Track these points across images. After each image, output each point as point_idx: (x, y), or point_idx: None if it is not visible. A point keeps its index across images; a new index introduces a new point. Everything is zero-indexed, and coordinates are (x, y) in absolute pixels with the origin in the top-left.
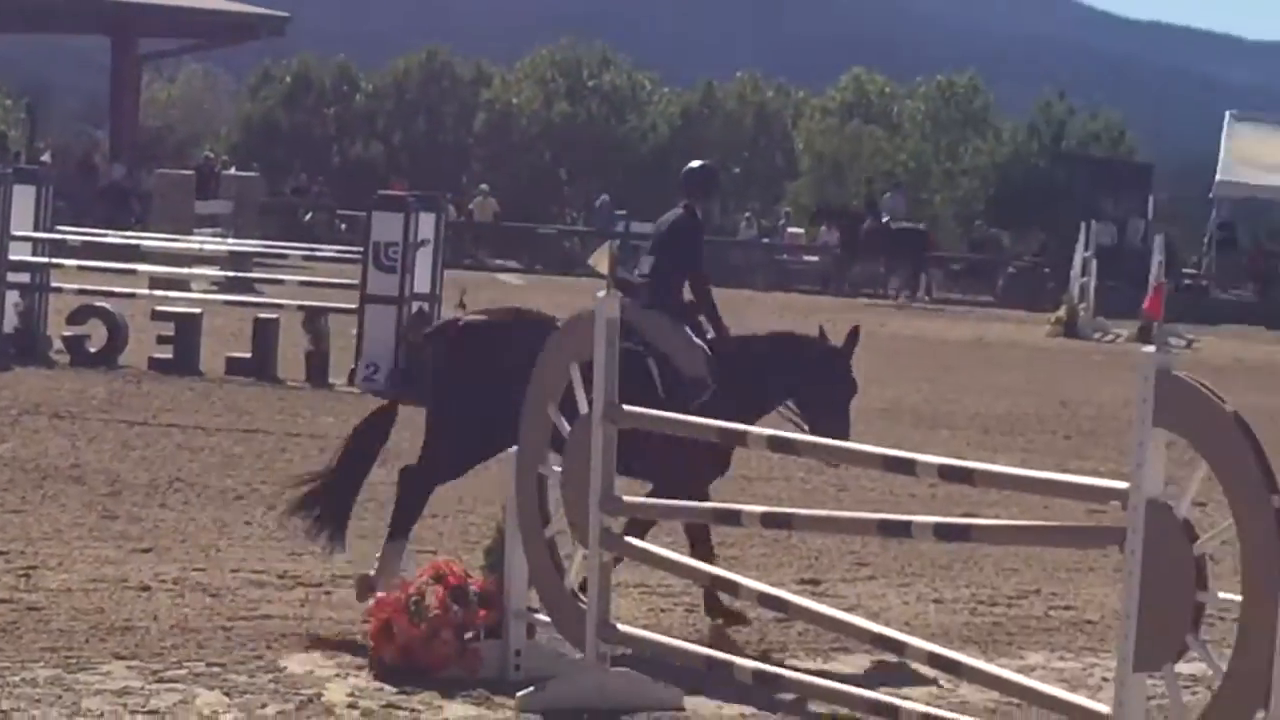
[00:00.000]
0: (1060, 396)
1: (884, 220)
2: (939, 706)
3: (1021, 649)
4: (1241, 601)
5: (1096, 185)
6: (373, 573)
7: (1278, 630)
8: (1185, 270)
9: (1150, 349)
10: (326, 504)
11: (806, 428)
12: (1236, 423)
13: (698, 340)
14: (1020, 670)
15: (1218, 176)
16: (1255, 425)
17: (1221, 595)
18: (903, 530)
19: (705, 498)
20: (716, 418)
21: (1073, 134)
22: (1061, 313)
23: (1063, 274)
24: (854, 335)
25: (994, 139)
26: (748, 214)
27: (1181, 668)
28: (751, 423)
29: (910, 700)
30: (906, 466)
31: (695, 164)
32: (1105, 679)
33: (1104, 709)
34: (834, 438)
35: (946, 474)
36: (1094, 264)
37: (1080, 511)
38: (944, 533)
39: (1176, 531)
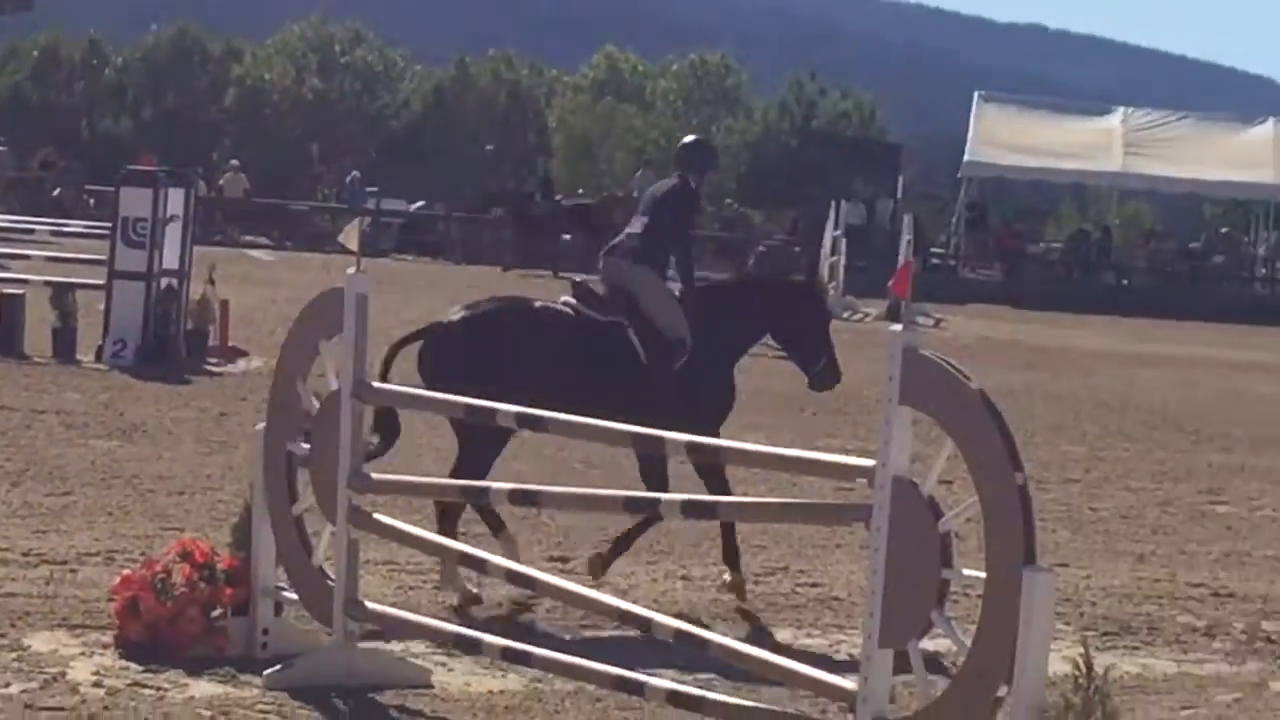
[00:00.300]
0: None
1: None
2: (686, 683)
3: (769, 625)
4: (985, 578)
5: (846, 165)
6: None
7: (1020, 607)
8: (934, 250)
9: (897, 327)
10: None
11: (795, 361)
12: (982, 401)
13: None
14: (767, 647)
15: (966, 157)
16: (1001, 403)
17: (966, 572)
18: (650, 507)
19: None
20: (699, 368)
21: (824, 113)
22: None
23: (813, 253)
24: (811, 271)
25: (745, 118)
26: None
27: (927, 643)
28: (732, 366)
29: (657, 677)
30: (657, 444)
31: (690, 139)
32: (852, 655)
33: (850, 685)
34: (825, 367)
35: (695, 451)
36: (843, 243)
37: (828, 489)
38: (691, 510)
39: (922, 509)
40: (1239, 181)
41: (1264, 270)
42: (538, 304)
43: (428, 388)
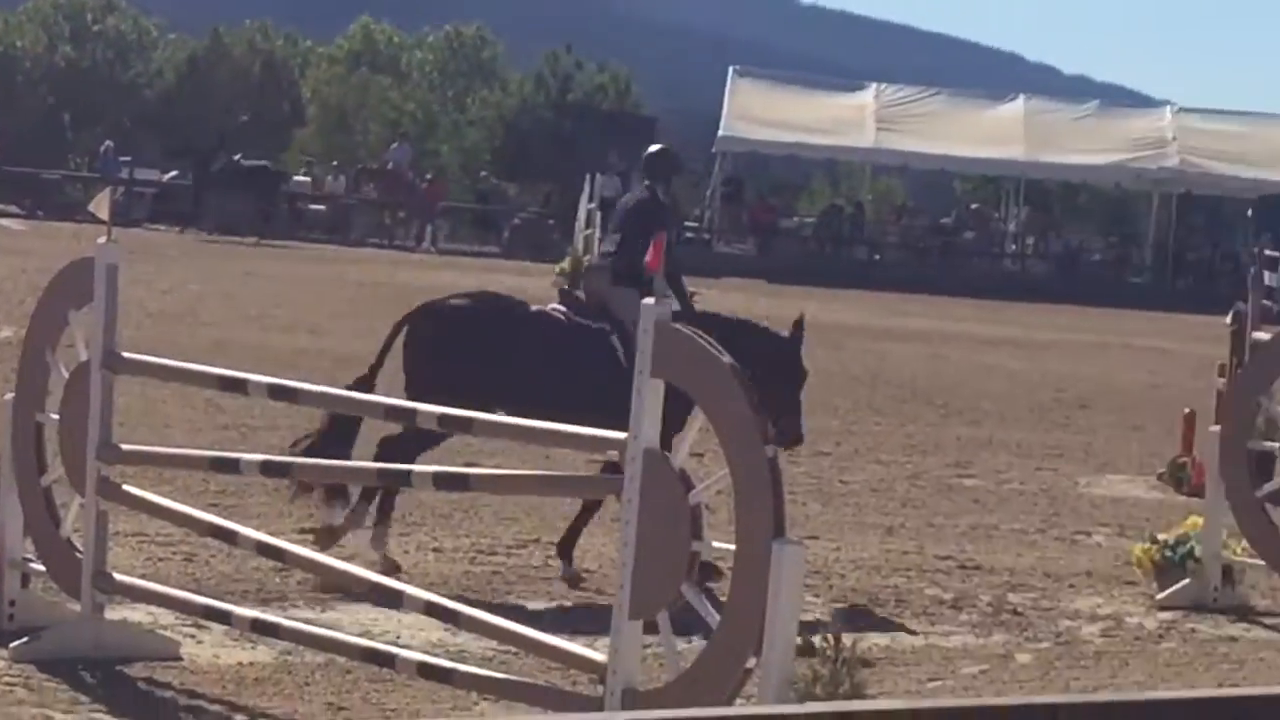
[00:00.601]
0: None
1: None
2: (436, 655)
3: (520, 598)
4: (735, 551)
5: (602, 138)
6: (339, 522)
7: (769, 579)
8: (688, 223)
9: (649, 301)
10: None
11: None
12: (732, 374)
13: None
14: (519, 619)
15: (720, 132)
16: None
17: (716, 544)
18: (402, 479)
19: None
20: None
21: (580, 87)
22: (565, 264)
23: (568, 226)
24: (799, 325)
25: (501, 90)
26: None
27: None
28: None
29: (408, 649)
30: (407, 415)
31: (655, 148)
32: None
33: (600, 657)
34: (789, 430)
35: (446, 423)
36: (598, 216)
37: (581, 461)
38: (443, 482)
39: (673, 481)
40: (989, 158)
41: (1014, 246)
42: (534, 308)
43: (415, 363)
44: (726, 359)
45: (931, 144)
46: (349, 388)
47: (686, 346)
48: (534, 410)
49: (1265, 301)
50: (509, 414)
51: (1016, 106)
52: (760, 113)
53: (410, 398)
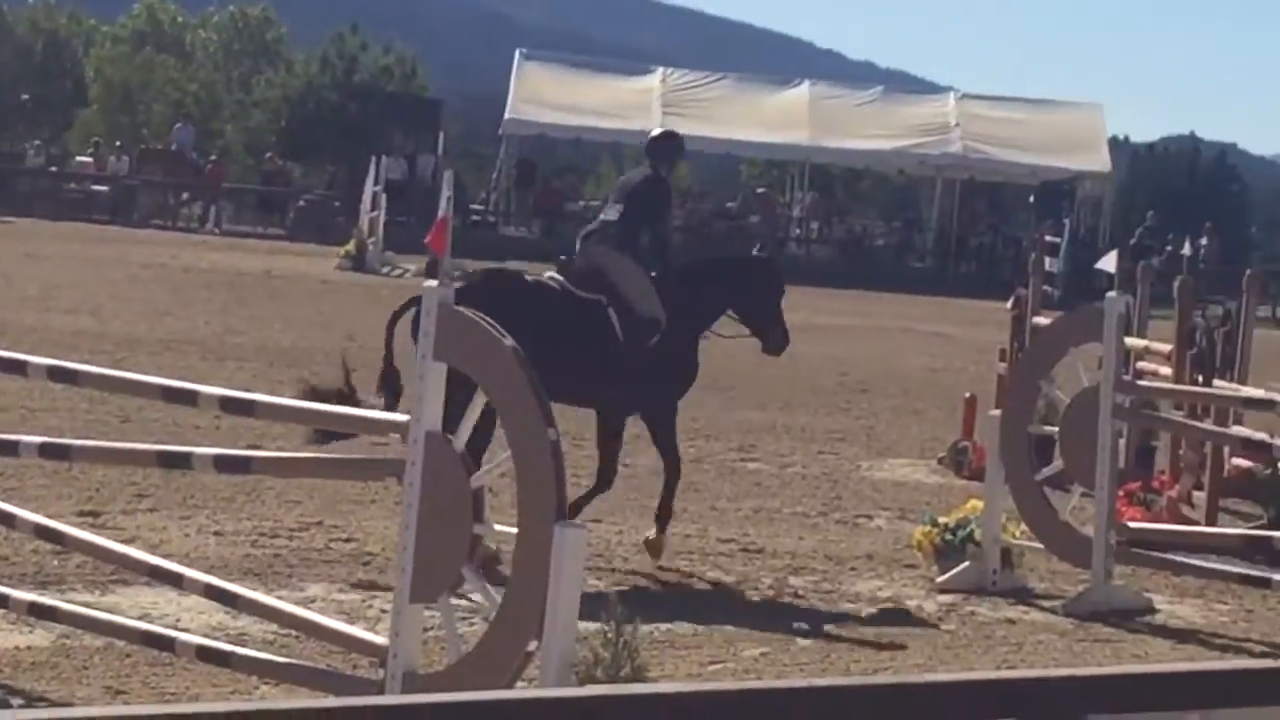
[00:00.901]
0: (348, 330)
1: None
2: (217, 639)
3: (302, 581)
4: (517, 534)
5: (387, 119)
6: None
7: (550, 562)
8: (474, 206)
9: (432, 283)
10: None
11: (752, 330)
12: (515, 357)
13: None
14: (300, 602)
15: (506, 114)
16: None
17: (498, 528)
18: (183, 461)
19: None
20: (666, 346)
21: (365, 68)
22: (351, 246)
23: (353, 208)
24: (769, 247)
25: (286, 71)
26: (36, 142)
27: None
28: (696, 343)
29: (187, 633)
30: (188, 397)
31: (659, 130)
32: (384, 611)
33: (381, 640)
34: (774, 339)
35: (228, 406)
36: (383, 198)
37: (366, 444)
38: (224, 464)
39: (455, 464)
40: (774, 143)
41: (798, 230)
42: (529, 277)
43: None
44: (509, 342)
45: (717, 128)
46: (380, 390)
47: (469, 330)
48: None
49: (1045, 287)
50: None
51: (802, 92)
52: (547, 96)
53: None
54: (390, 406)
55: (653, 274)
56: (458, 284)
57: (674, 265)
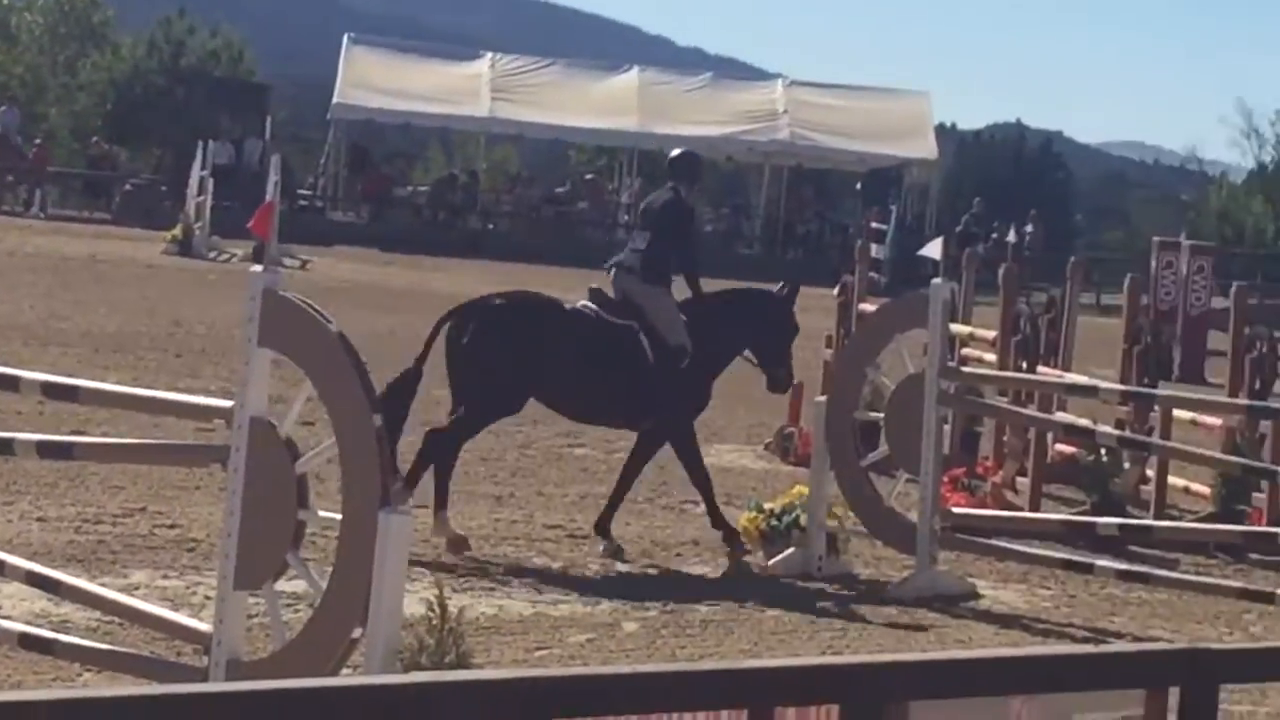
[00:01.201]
0: (174, 315)
1: None
2: (39, 626)
3: (126, 567)
4: (342, 519)
5: (214, 104)
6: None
7: (375, 548)
8: (301, 191)
9: (258, 269)
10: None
11: (763, 372)
12: (340, 343)
13: (680, 314)
14: (123, 589)
15: (335, 99)
16: (365, 345)
17: (323, 514)
18: (5, 447)
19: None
20: (697, 374)
21: (193, 52)
22: (177, 231)
23: (179, 192)
24: (794, 287)
25: (113, 54)
26: None
27: (284, 585)
28: (714, 378)
29: (8, 620)
30: (10, 383)
31: (678, 151)
32: (209, 597)
33: (205, 627)
34: (780, 379)
35: (51, 391)
36: (210, 183)
37: (191, 430)
38: (47, 450)
39: (279, 450)
40: (603, 129)
41: (626, 217)
42: (567, 305)
43: (456, 359)
44: (334, 328)
45: (546, 114)
46: (392, 384)
47: (294, 316)
48: (567, 402)
49: (871, 274)
50: (546, 405)
51: (631, 78)
52: (375, 80)
53: (452, 390)
54: (391, 406)
55: (679, 301)
56: (495, 300)
57: (701, 295)
